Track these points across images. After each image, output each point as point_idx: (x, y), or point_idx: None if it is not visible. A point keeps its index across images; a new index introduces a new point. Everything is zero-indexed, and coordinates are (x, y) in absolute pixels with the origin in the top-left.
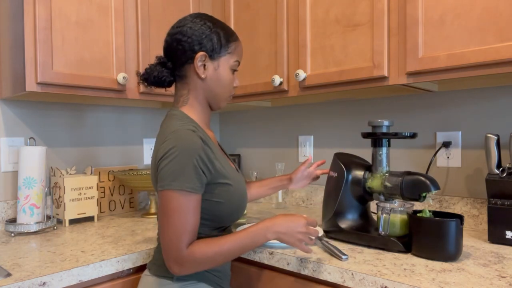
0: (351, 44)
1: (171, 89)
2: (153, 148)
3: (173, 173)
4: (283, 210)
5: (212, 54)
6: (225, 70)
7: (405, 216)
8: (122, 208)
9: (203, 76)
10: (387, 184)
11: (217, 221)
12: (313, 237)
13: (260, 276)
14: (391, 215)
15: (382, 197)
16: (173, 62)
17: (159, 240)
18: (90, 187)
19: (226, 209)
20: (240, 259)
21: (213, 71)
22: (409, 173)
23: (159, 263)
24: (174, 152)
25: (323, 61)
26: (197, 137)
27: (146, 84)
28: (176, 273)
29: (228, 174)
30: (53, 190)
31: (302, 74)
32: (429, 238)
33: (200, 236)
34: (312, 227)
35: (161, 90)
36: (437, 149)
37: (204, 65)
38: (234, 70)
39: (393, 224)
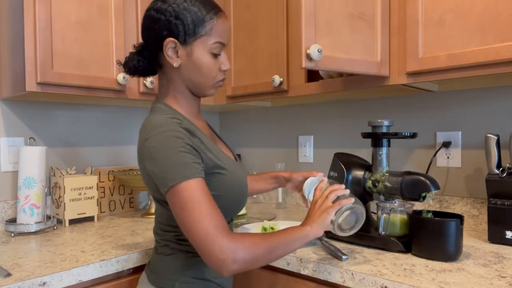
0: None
1: None
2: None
3: (168, 170)
4: (283, 210)
5: (183, 39)
6: (202, 56)
7: (405, 216)
8: (122, 208)
9: (175, 64)
10: (387, 184)
11: None
12: (341, 194)
13: (260, 276)
14: (391, 215)
15: (382, 197)
16: (149, 50)
17: (158, 250)
18: (90, 187)
19: (226, 202)
20: None
21: (187, 58)
22: (409, 173)
23: (160, 273)
24: (159, 149)
25: None
26: (178, 126)
27: (128, 74)
28: (231, 270)
29: (221, 162)
30: (53, 190)
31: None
32: (429, 238)
33: None
34: (334, 187)
35: None
36: (437, 149)
37: (177, 52)
38: (216, 54)
39: (393, 224)
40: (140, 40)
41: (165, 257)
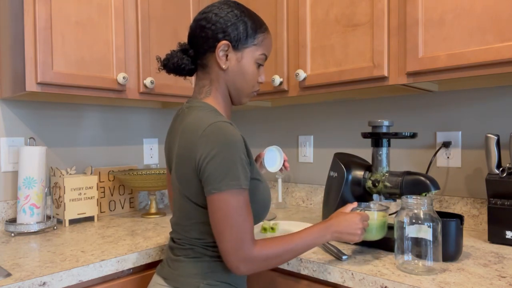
0: (351, 44)
1: (174, 90)
2: (174, 140)
3: (225, 173)
4: (283, 210)
5: (236, 44)
6: (249, 63)
7: (383, 218)
8: (122, 208)
9: (224, 66)
10: (387, 184)
11: None
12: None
13: (260, 276)
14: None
15: (382, 197)
16: (195, 50)
17: (176, 252)
18: (90, 187)
19: (259, 207)
20: None
21: (236, 63)
22: (409, 173)
23: (181, 275)
24: (221, 150)
25: (323, 61)
26: (236, 130)
27: (165, 70)
28: (243, 273)
29: (258, 170)
30: (53, 190)
31: (302, 74)
32: None
33: None
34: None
35: (162, 90)
36: (437, 149)
37: (227, 55)
38: (259, 64)
39: (368, 229)
40: (141, 42)
41: (188, 259)
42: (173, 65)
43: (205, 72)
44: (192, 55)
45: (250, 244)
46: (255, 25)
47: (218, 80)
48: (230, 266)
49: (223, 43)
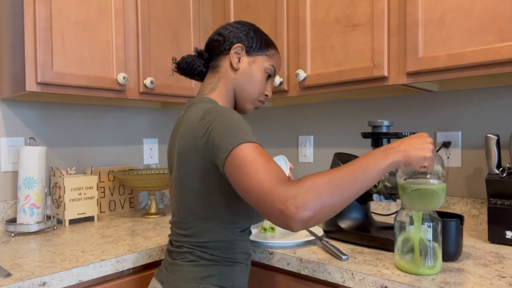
0: (351, 44)
1: (174, 90)
2: (174, 140)
3: (228, 135)
4: None
5: (249, 50)
6: (259, 69)
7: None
8: (122, 208)
9: (235, 66)
10: (387, 184)
11: (240, 217)
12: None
13: (260, 276)
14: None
15: (382, 197)
16: (210, 53)
17: (175, 256)
18: (90, 187)
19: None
20: None
21: (247, 65)
22: None
23: (178, 279)
24: (220, 119)
25: (323, 61)
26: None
27: (177, 70)
28: (298, 219)
29: None
30: (53, 190)
31: (302, 74)
32: None
33: (220, 240)
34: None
35: (162, 90)
36: (437, 149)
37: (239, 58)
38: (268, 75)
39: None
40: (141, 42)
41: (185, 263)
42: (186, 64)
43: (215, 72)
44: (206, 57)
45: (282, 182)
46: (268, 41)
47: (227, 79)
48: (282, 220)
49: (238, 45)
